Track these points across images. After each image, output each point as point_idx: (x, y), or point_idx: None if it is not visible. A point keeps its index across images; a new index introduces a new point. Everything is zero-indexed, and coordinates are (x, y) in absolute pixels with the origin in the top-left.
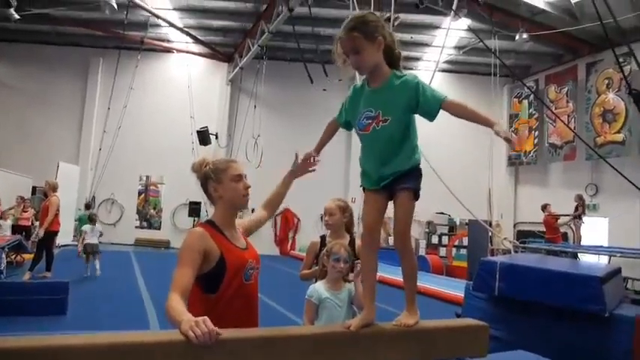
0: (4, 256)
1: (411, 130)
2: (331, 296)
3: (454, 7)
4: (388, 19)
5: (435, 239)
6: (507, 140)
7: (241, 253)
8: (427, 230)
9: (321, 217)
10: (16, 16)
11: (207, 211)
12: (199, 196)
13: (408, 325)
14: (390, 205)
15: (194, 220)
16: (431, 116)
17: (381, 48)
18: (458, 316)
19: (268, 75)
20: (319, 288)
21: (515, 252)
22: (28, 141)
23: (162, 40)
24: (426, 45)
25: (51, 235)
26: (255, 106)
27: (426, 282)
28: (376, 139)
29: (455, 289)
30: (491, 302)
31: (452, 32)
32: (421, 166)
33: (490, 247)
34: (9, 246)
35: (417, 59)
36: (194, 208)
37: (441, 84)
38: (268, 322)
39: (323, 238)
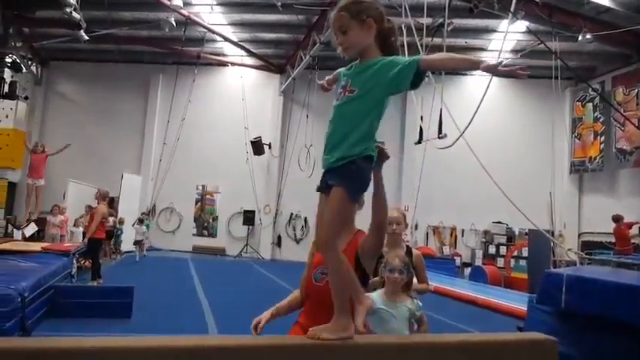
0: (74, 261)
1: (373, 114)
2: (387, 307)
3: (512, 9)
4: (442, 25)
5: (492, 249)
6: (500, 71)
7: (318, 258)
8: (484, 240)
9: None
10: (85, 37)
11: (261, 219)
12: (253, 204)
13: (322, 338)
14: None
15: (248, 229)
16: (407, 79)
17: (370, 31)
18: (520, 329)
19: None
20: (375, 297)
21: (581, 264)
22: (95, 153)
23: (218, 55)
24: (481, 50)
25: (96, 242)
26: (307, 116)
27: (484, 294)
28: (337, 113)
29: (515, 301)
30: (556, 316)
31: (509, 35)
32: (455, 169)
33: (553, 259)
34: (79, 252)
35: None
36: (248, 217)
37: (497, 89)
38: None
39: None
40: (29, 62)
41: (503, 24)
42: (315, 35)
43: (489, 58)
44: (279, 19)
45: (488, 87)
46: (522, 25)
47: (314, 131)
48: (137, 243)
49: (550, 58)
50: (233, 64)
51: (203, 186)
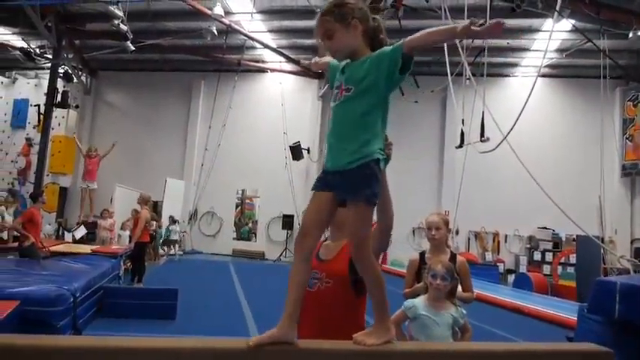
0: (122, 263)
1: (377, 111)
2: (429, 313)
3: (558, 7)
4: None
5: (537, 256)
6: (480, 32)
7: (314, 264)
8: (528, 246)
9: (414, 231)
10: (132, 48)
11: (300, 223)
12: (292, 209)
13: (369, 344)
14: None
15: (287, 233)
16: (396, 66)
17: (357, 32)
18: (570, 339)
19: None
20: (418, 303)
21: (635, 272)
22: (140, 159)
23: (258, 61)
24: (525, 50)
25: (141, 246)
26: None
27: (529, 302)
28: (336, 114)
29: (562, 310)
30: (609, 326)
31: (553, 34)
32: (498, 172)
33: (603, 266)
34: (126, 254)
35: (515, 65)
36: (287, 221)
37: (542, 90)
38: None
39: (422, 254)
40: (80, 72)
41: (548, 23)
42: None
43: (532, 58)
44: None
45: (533, 87)
46: (568, 23)
47: None
48: (173, 243)
49: (598, 56)
50: (272, 70)
51: (243, 190)
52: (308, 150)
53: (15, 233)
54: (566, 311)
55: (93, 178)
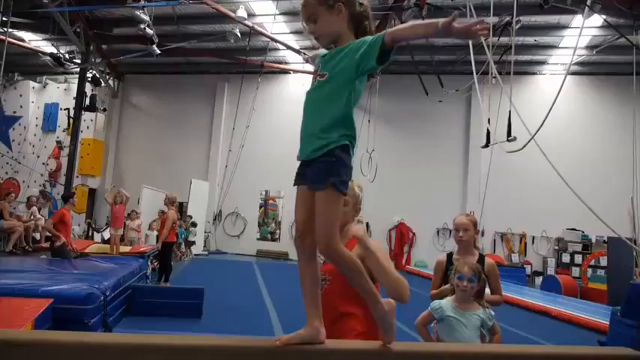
0: (149, 263)
1: (344, 96)
2: (456, 315)
3: (589, 2)
4: (509, 23)
5: (565, 258)
6: (469, 31)
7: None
8: (557, 247)
9: (438, 232)
10: (158, 51)
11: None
12: None
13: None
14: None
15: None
16: (373, 55)
17: (341, 16)
18: (601, 344)
19: (382, 89)
20: (445, 305)
21: None
22: (166, 160)
23: (280, 63)
24: (553, 47)
25: (168, 246)
26: (368, 121)
27: (558, 304)
28: (307, 101)
29: (593, 313)
30: None
31: (583, 30)
32: (525, 172)
33: (636, 269)
34: (153, 254)
35: (542, 63)
36: None
37: (571, 87)
38: None
39: (450, 255)
40: (107, 76)
41: (577, 19)
42: None
43: (563, 55)
44: None
45: (562, 85)
46: (598, 19)
47: (376, 135)
48: (190, 244)
49: (630, 52)
50: (295, 71)
51: (266, 191)
52: None
53: (47, 233)
54: (597, 315)
55: (120, 225)
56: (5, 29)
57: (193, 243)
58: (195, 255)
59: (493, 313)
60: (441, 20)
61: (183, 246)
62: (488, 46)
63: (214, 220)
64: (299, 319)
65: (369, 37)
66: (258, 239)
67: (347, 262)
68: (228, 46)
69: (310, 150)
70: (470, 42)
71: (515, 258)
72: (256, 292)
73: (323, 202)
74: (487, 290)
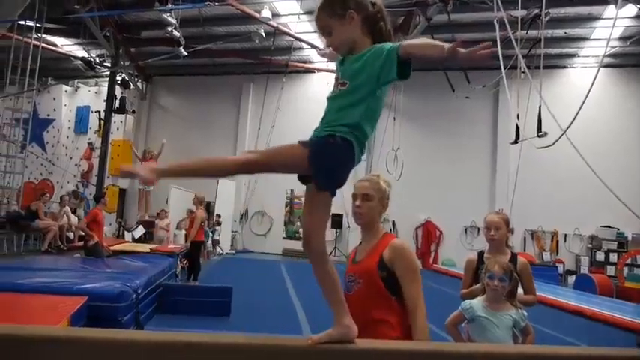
0: (178, 261)
1: (362, 105)
2: (488, 315)
3: None
4: (537, 16)
5: (600, 256)
6: (471, 55)
7: (350, 266)
8: (590, 245)
9: (465, 230)
10: (184, 53)
11: (349, 222)
12: (341, 208)
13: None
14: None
15: (336, 232)
16: (392, 70)
17: (354, 23)
18: None
19: (407, 86)
20: (476, 305)
21: None
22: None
23: (305, 62)
24: (583, 39)
25: (197, 245)
26: (394, 119)
27: (593, 304)
28: (328, 105)
29: (630, 313)
30: None
31: (616, 21)
32: (556, 168)
33: None
34: (182, 253)
35: (573, 56)
36: (336, 220)
37: (603, 80)
38: None
39: (481, 254)
40: (135, 79)
41: (609, 10)
42: (401, 36)
43: (594, 48)
44: None
45: (595, 79)
46: (632, 9)
47: (401, 133)
48: (216, 243)
49: None
50: (319, 70)
51: (291, 190)
52: None
53: (81, 233)
54: (634, 315)
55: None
56: (39, 35)
57: (217, 242)
58: (222, 253)
59: (526, 313)
60: (447, 45)
61: (210, 245)
62: (516, 40)
63: (241, 219)
64: (327, 317)
65: (387, 45)
66: (284, 238)
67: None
68: (253, 46)
69: (314, 135)
70: (497, 36)
71: (547, 256)
72: (283, 290)
73: (314, 191)
74: (520, 290)
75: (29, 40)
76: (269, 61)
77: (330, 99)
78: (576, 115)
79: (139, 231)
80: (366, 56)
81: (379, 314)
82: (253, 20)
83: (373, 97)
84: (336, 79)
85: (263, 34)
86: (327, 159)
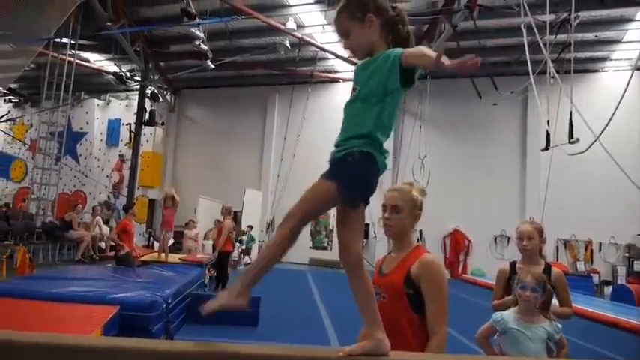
0: (207, 271)
1: (374, 111)
2: (520, 327)
3: None
4: (566, 20)
5: (638, 266)
6: (460, 66)
7: (376, 277)
8: (627, 255)
9: (495, 239)
10: (212, 66)
11: (376, 232)
12: (367, 217)
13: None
14: None
15: (363, 242)
16: (395, 77)
17: (373, 27)
18: None
19: (433, 94)
20: (507, 316)
21: None
22: (219, 171)
23: (330, 72)
24: (615, 42)
25: (225, 255)
26: (420, 127)
27: (631, 316)
28: (345, 112)
29: None
30: None
31: None
32: (588, 175)
33: None
34: (210, 263)
35: (604, 59)
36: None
37: (637, 84)
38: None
39: (513, 264)
40: (164, 92)
41: None
42: (426, 44)
43: (627, 50)
44: None
45: (629, 83)
46: None
47: (428, 141)
48: (246, 253)
49: None
50: (344, 79)
51: None
52: None
53: (112, 243)
54: None
55: (171, 228)
56: (74, 52)
57: (248, 251)
58: (249, 263)
59: (560, 325)
60: (434, 56)
61: (237, 254)
62: (544, 44)
63: (267, 228)
64: (355, 329)
65: (395, 51)
66: (310, 247)
67: (277, 241)
68: (279, 57)
69: (335, 152)
70: (525, 41)
71: (581, 266)
72: (310, 301)
73: (318, 185)
74: (555, 302)
75: (64, 57)
76: (294, 72)
77: (345, 105)
78: (610, 120)
79: (169, 241)
80: (377, 62)
81: (400, 334)
82: (278, 32)
83: (383, 104)
84: (353, 85)
85: (288, 46)
86: (352, 179)
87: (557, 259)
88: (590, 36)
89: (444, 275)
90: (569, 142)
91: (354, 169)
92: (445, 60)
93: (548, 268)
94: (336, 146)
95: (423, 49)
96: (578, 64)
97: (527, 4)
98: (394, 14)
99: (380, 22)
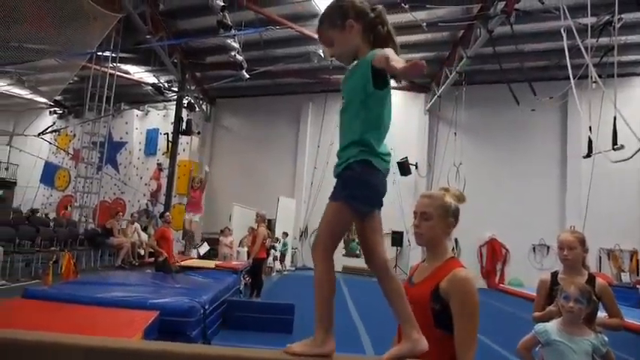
0: (242, 278)
1: (360, 116)
2: (564, 339)
3: None
4: (609, 23)
5: None
6: (411, 70)
7: (405, 285)
8: None
9: (534, 249)
10: (247, 76)
11: (410, 240)
12: (401, 225)
13: (295, 352)
14: None
15: (397, 250)
16: (368, 79)
17: (354, 31)
18: None
19: (468, 100)
20: (551, 328)
21: None
22: (254, 179)
23: None
24: None
25: (259, 262)
26: (455, 134)
27: None
28: (339, 121)
29: None
30: None
31: None
32: (633, 183)
33: None
34: (245, 270)
35: None
36: (396, 238)
37: None
38: None
39: (554, 274)
40: (201, 102)
41: None
42: (462, 50)
43: None
44: (423, 38)
45: None
46: None
47: (463, 149)
48: (280, 259)
49: None
50: None
51: None
52: (416, 165)
53: (151, 249)
54: None
55: (195, 210)
56: (115, 64)
57: (281, 258)
58: (280, 270)
59: (606, 338)
60: (389, 60)
61: (271, 261)
62: (586, 48)
63: (301, 236)
64: (388, 336)
65: (371, 54)
66: (343, 255)
67: (321, 276)
68: (312, 66)
69: (336, 168)
70: (565, 45)
71: (626, 277)
72: (344, 308)
73: (329, 209)
74: (602, 314)
75: (106, 70)
76: (327, 80)
77: (339, 115)
78: None
79: (204, 247)
80: (358, 66)
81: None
82: (312, 41)
83: (367, 106)
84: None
85: (321, 54)
86: (355, 193)
87: (600, 270)
88: (633, 38)
89: (476, 295)
90: (614, 149)
91: (355, 183)
92: (396, 64)
93: (591, 279)
94: (338, 157)
95: (386, 52)
96: (621, 67)
97: (566, 7)
98: (373, 16)
99: (360, 26)
